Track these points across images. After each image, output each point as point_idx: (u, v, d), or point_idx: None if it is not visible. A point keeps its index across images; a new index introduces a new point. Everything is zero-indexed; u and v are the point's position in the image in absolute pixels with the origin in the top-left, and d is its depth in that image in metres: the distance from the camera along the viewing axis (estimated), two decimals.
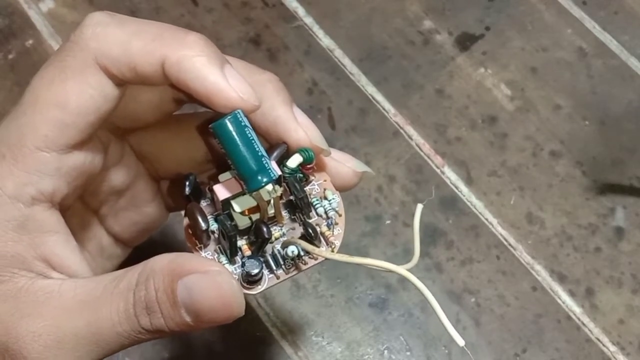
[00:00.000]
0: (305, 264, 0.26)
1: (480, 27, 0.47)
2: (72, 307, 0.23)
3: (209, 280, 0.23)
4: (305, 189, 0.26)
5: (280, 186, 0.25)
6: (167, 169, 0.29)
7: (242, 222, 0.25)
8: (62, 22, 0.46)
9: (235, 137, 0.24)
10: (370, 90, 0.45)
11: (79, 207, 0.28)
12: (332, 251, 0.26)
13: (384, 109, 0.44)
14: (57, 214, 0.24)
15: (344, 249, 0.26)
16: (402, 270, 0.23)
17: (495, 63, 0.46)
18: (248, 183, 0.24)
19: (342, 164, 0.28)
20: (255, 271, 0.25)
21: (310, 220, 0.26)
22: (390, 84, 0.45)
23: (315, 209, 0.26)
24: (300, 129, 0.26)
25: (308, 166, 0.26)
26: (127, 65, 0.23)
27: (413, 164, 0.43)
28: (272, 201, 0.25)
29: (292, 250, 0.25)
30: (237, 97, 0.24)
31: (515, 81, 0.45)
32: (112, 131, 0.27)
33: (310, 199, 0.26)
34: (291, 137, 0.26)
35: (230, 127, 0.24)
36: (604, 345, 0.38)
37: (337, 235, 0.26)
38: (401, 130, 0.44)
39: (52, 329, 0.23)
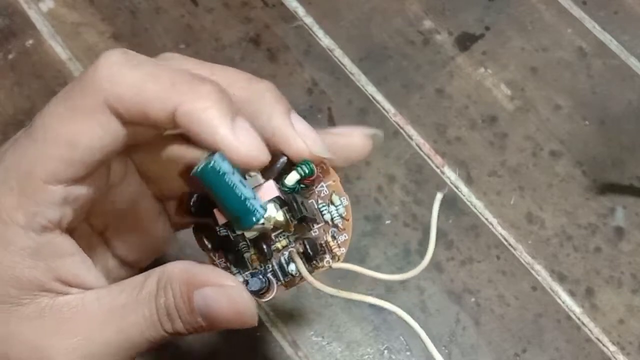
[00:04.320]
0: (315, 270, 0.26)
1: (480, 27, 0.47)
2: (99, 318, 0.24)
3: (223, 295, 0.24)
4: (310, 200, 0.26)
5: (281, 206, 0.25)
6: (171, 188, 0.29)
7: (249, 234, 0.25)
8: (62, 22, 0.46)
9: (214, 184, 0.23)
10: (370, 90, 0.45)
11: (85, 230, 0.29)
12: (339, 260, 0.26)
13: (384, 108, 0.44)
14: (68, 238, 0.25)
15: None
16: (390, 305, 0.24)
17: (495, 63, 0.46)
18: (235, 225, 0.24)
19: (349, 135, 0.27)
20: (256, 288, 0.25)
21: (316, 227, 0.26)
22: (390, 84, 0.45)
23: (322, 215, 0.26)
24: (298, 138, 0.25)
25: (311, 178, 0.26)
26: (138, 110, 0.23)
27: (413, 164, 0.43)
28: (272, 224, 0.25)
29: (291, 268, 0.26)
30: (245, 153, 0.23)
31: (515, 81, 0.45)
32: None
33: (316, 207, 0.26)
34: (290, 147, 0.25)
35: (207, 175, 0.23)
36: (604, 345, 0.38)
37: (342, 242, 0.26)
38: (401, 130, 0.44)
39: (84, 342, 0.24)
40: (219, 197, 0.24)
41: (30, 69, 0.45)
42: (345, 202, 0.26)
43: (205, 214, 0.26)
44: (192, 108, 0.23)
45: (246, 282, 0.25)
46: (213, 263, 0.26)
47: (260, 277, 0.25)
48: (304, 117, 0.46)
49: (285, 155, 0.26)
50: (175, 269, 0.24)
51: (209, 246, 0.26)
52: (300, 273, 0.26)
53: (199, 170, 0.23)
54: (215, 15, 0.47)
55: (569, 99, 0.45)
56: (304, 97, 0.44)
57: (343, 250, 0.26)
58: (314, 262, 0.26)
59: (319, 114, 0.44)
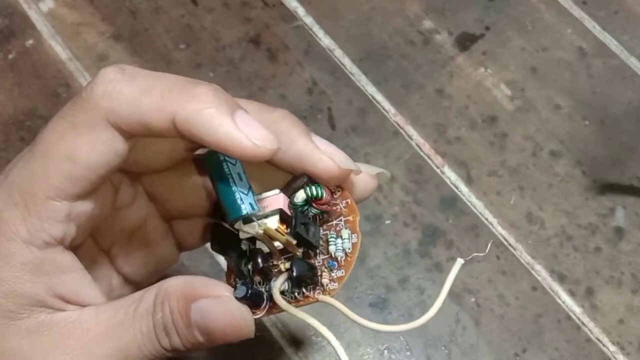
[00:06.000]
0: (304, 298, 0.26)
1: (480, 27, 0.47)
2: (98, 334, 0.24)
3: (220, 306, 0.24)
4: (324, 232, 0.26)
5: (283, 220, 0.25)
6: (177, 208, 0.30)
7: (249, 232, 0.25)
8: (62, 22, 0.46)
9: (214, 170, 0.24)
10: (370, 90, 0.45)
11: (90, 246, 0.29)
12: (329, 295, 0.26)
13: (384, 109, 0.44)
14: (70, 254, 0.25)
15: None
16: (319, 325, 0.24)
17: (495, 63, 0.46)
18: (227, 217, 0.25)
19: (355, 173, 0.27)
20: (240, 295, 0.24)
21: (320, 258, 0.26)
22: (390, 84, 0.45)
23: (328, 246, 0.26)
24: (324, 157, 0.25)
25: (320, 202, 0.25)
26: (138, 122, 0.24)
27: (413, 164, 0.43)
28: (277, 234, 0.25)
29: (272, 284, 0.25)
30: (250, 144, 0.23)
31: (515, 81, 0.45)
32: (125, 173, 0.28)
33: (323, 236, 0.26)
34: (318, 167, 0.25)
35: (209, 160, 0.24)
36: (604, 345, 0.38)
37: (337, 277, 0.26)
38: (401, 130, 0.44)
39: (83, 357, 0.24)
40: (215, 184, 0.24)
41: (30, 69, 0.45)
42: (354, 239, 0.26)
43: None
44: (189, 112, 0.23)
45: (235, 289, 0.25)
46: (228, 279, 0.26)
47: (250, 287, 0.25)
48: (304, 117, 0.46)
49: (306, 175, 0.25)
50: (172, 284, 0.24)
51: (217, 247, 0.26)
52: (297, 291, 0.25)
53: (204, 154, 0.24)
54: (215, 15, 0.47)
55: (569, 99, 0.45)
56: (304, 97, 0.44)
57: (335, 285, 0.26)
58: (303, 290, 0.25)
59: (319, 114, 0.44)
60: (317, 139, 0.26)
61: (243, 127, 0.23)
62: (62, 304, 0.25)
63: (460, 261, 0.24)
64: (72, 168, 0.24)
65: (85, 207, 0.25)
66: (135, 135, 0.24)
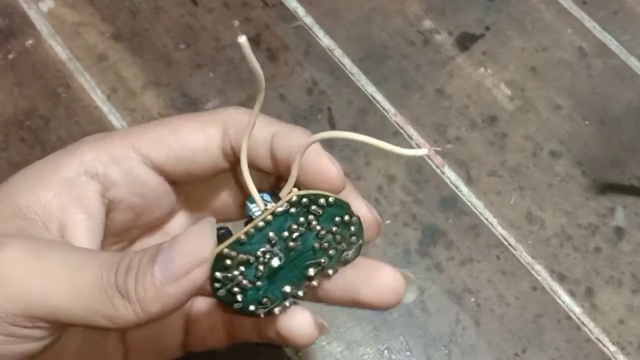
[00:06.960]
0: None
1: (480, 27, 0.47)
2: (66, 251, 0.23)
3: (192, 228, 0.23)
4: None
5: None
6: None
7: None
8: (62, 22, 0.46)
9: None
10: (370, 90, 0.45)
11: None
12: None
13: (384, 109, 0.44)
14: (103, 207, 0.26)
15: None
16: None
17: (495, 63, 0.46)
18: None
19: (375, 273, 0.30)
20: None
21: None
22: (390, 84, 0.45)
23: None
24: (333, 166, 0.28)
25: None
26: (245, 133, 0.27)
27: (413, 164, 0.43)
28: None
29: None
30: (337, 174, 0.27)
31: (515, 81, 0.45)
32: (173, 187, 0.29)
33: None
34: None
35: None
36: (604, 345, 0.39)
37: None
38: (401, 130, 0.44)
39: (36, 250, 0.23)
40: None
41: (30, 69, 0.45)
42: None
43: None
44: (292, 141, 0.26)
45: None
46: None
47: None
48: (304, 118, 0.46)
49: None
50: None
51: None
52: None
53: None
54: (215, 15, 0.47)
55: (569, 99, 0.45)
56: (304, 97, 0.44)
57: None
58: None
59: (319, 114, 0.44)
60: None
61: (333, 162, 0.27)
62: (54, 233, 0.25)
63: (243, 38, 0.24)
64: (168, 135, 0.27)
65: (145, 175, 0.27)
66: (232, 154, 0.27)
